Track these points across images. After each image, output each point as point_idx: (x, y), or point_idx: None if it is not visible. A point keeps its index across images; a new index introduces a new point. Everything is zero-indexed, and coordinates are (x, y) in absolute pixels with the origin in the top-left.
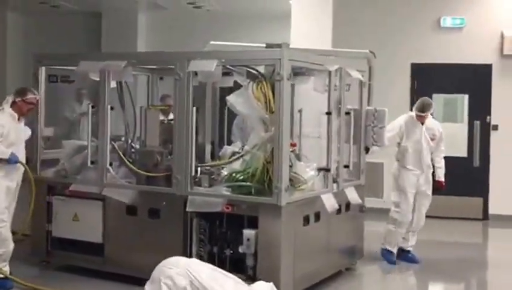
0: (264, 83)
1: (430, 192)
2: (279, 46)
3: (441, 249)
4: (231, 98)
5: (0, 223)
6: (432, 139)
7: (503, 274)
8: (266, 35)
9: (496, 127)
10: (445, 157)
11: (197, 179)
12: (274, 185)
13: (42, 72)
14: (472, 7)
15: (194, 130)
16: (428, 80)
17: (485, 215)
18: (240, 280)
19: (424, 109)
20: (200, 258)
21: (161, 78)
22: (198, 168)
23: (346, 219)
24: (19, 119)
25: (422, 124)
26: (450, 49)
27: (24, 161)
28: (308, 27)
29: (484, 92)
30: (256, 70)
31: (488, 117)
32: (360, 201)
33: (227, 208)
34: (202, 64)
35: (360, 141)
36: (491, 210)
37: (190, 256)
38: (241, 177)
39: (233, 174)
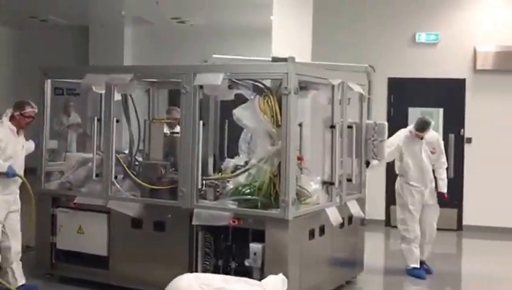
0: (271, 96)
1: (436, 204)
2: (285, 60)
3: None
4: (238, 112)
5: None
6: (432, 153)
7: (477, 285)
8: (248, 49)
9: (469, 140)
10: None
11: (201, 192)
12: (281, 199)
13: (48, 85)
14: (446, 23)
15: (200, 144)
16: (405, 94)
17: (459, 226)
18: (252, 281)
19: (423, 128)
20: (206, 271)
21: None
22: (203, 181)
23: (348, 232)
24: (18, 132)
25: (422, 138)
26: (425, 64)
27: (22, 174)
28: (289, 42)
29: (458, 106)
30: (263, 84)
31: (462, 130)
32: (362, 214)
33: (234, 221)
34: (208, 77)
35: (361, 155)
36: (465, 221)
37: (196, 269)
38: (248, 191)
39: (240, 188)
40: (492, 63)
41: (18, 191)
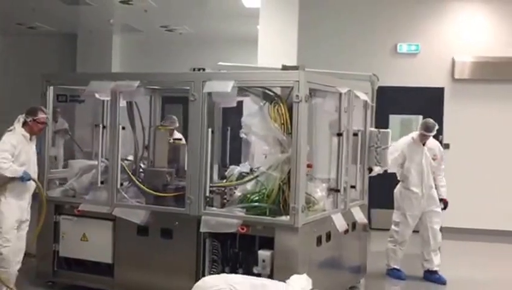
0: (281, 104)
1: (438, 209)
2: (295, 68)
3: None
4: (246, 120)
5: (4, 243)
6: (434, 159)
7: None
8: (234, 57)
9: (447, 146)
10: (394, 175)
11: (207, 199)
12: (291, 206)
13: (50, 92)
14: (426, 35)
15: (209, 151)
16: (386, 102)
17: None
18: (276, 281)
19: (430, 129)
20: None
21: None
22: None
23: (353, 238)
24: (30, 139)
25: (424, 144)
26: (406, 73)
27: (36, 179)
28: (274, 50)
29: (437, 113)
30: (273, 92)
31: (440, 136)
32: (365, 221)
33: (242, 228)
34: (218, 85)
35: (364, 162)
36: (443, 223)
37: (203, 276)
38: (256, 198)
39: (248, 195)
40: (470, 72)
41: (31, 200)
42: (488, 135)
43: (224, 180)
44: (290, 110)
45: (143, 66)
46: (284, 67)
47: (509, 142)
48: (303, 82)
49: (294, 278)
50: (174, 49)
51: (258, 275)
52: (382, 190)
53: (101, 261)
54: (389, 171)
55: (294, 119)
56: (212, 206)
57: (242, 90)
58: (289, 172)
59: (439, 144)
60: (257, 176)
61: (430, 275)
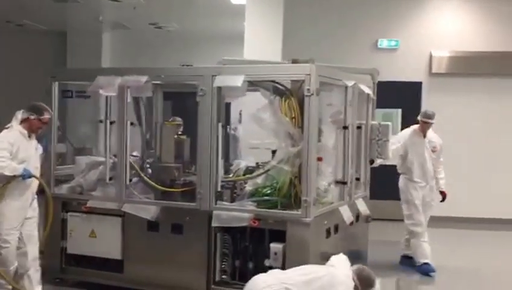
0: (292, 98)
1: (433, 202)
2: (305, 62)
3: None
4: (256, 113)
5: (3, 244)
6: (433, 151)
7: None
8: (222, 53)
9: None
10: (384, 166)
11: (217, 194)
12: (303, 199)
13: (55, 88)
14: (405, 31)
15: (219, 145)
16: None
17: None
18: (319, 267)
19: (430, 116)
20: (224, 272)
21: None
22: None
23: (356, 229)
24: (29, 136)
25: (425, 136)
26: (386, 68)
27: (38, 176)
28: (260, 46)
29: (415, 107)
30: (283, 86)
31: None
32: (368, 212)
33: (254, 222)
34: (228, 79)
35: (367, 154)
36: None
37: (214, 270)
38: (268, 192)
39: (259, 189)
40: (446, 67)
41: (35, 197)
42: (464, 127)
43: (231, 175)
44: (300, 103)
45: (133, 63)
46: (294, 61)
47: (484, 134)
48: (314, 75)
49: (333, 259)
50: (163, 46)
51: (270, 267)
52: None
53: (110, 258)
54: (390, 162)
55: (306, 112)
56: (222, 200)
57: (251, 84)
58: (300, 165)
59: (439, 137)
60: (268, 170)
61: (407, 261)
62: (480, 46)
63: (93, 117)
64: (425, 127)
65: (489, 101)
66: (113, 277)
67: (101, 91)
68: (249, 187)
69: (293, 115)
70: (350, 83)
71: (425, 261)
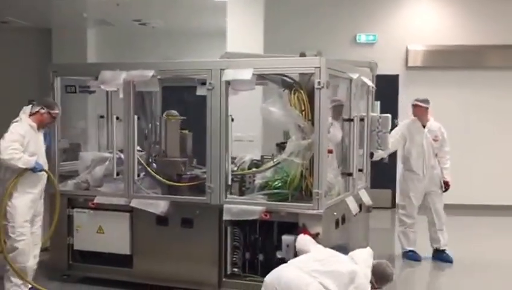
0: (301, 91)
1: (439, 190)
2: (313, 55)
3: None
4: (265, 107)
5: (19, 237)
6: (435, 141)
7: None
8: (206, 49)
9: None
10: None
11: (227, 187)
12: (314, 192)
13: (58, 83)
14: (382, 26)
15: (230, 139)
16: None
17: (393, 204)
18: (339, 256)
19: (420, 100)
20: (235, 265)
21: None
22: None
23: (360, 219)
24: (38, 129)
25: (424, 126)
26: None
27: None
28: (242, 41)
29: (392, 99)
30: (292, 79)
31: (396, 120)
32: (371, 202)
33: (266, 215)
34: (238, 73)
35: (368, 146)
36: (397, 200)
37: (225, 263)
38: (279, 185)
39: (270, 182)
40: (422, 60)
41: (43, 193)
42: (439, 118)
43: (235, 168)
44: (309, 96)
45: (118, 59)
46: (302, 55)
47: (460, 123)
48: (324, 68)
49: (358, 252)
50: (148, 42)
51: (282, 259)
52: None
53: (119, 253)
54: (390, 152)
55: (316, 105)
56: (231, 194)
57: (260, 77)
58: (311, 158)
59: (441, 126)
60: (279, 163)
61: (438, 254)
62: (454, 40)
63: (84, 113)
64: (417, 112)
65: (463, 93)
66: (122, 272)
67: (102, 86)
68: (258, 180)
69: (303, 108)
70: (355, 76)
71: (410, 248)
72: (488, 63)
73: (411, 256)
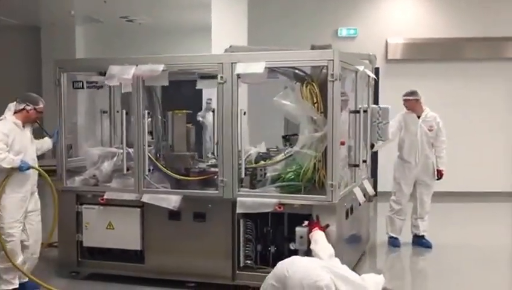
0: (313, 84)
1: (430, 181)
2: (324, 47)
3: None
4: (277, 100)
5: (8, 238)
6: (430, 130)
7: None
8: (192, 44)
9: None
10: None
11: (240, 181)
12: (329, 183)
13: (64, 79)
14: (363, 20)
15: (242, 133)
16: None
17: (375, 192)
18: (354, 277)
19: (406, 93)
20: (248, 257)
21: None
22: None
23: (364, 208)
24: (23, 126)
25: (419, 116)
26: None
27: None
28: (227, 36)
29: (374, 91)
30: (304, 72)
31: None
32: (373, 192)
33: (280, 207)
34: (250, 66)
35: (370, 137)
36: (379, 188)
37: (238, 256)
38: (292, 177)
39: (283, 175)
40: (401, 53)
41: (36, 189)
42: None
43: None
44: (320, 89)
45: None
46: (313, 47)
47: (438, 113)
48: (337, 61)
49: (370, 276)
50: (135, 38)
51: (295, 251)
52: None
53: (130, 249)
54: (390, 142)
55: (329, 98)
56: (243, 187)
57: (271, 70)
58: (324, 150)
59: (436, 116)
60: (290, 155)
61: (417, 240)
62: (432, 34)
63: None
64: (408, 105)
65: (441, 84)
66: (133, 268)
67: (107, 82)
68: (269, 173)
69: (315, 101)
70: (361, 68)
71: (393, 235)
72: (465, 55)
73: (392, 242)
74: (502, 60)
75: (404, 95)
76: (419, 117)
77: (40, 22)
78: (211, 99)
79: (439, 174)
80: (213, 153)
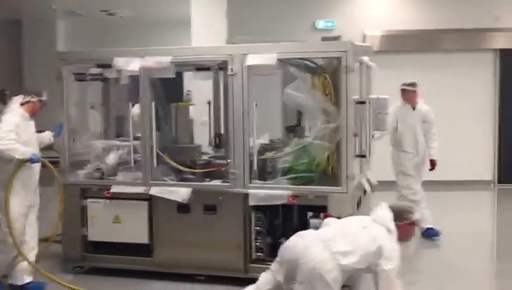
0: (326, 75)
1: (421, 173)
2: (335, 38)
3: None
4: (289, 91)
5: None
6: (424, 122)
7: None
8: (172, 37)
9: None
10: None
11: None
12: (343, 174)
13: (66, 71)
14: (340, 12)
15: (254, 125)
16: None
17: None
18: (358, 218)
19: (405, 84)
20: (259, 249)
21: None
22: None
23: (368, 197)
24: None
25: (414, 108)
26: None
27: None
28: (206, 29)
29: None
30: (316, 64)
31: None
32: (376, 182)
33: (293, 199)
34: (262, 58)
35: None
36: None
37: (250, 248)
38: (304, 168)
39: (295, 166)
40: (379, 45)
41: (37, 184)
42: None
43: None
44: (332, 80)
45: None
46: (324, 39)
47: None
48: (351, 52)
49: (377, 212)
50: (117, 32)
51: None
52: None
53: (137, 242)
54: (387, 133)
55: (343, 89)
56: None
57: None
58: (338, 141)
59: (430, 109)
60: (304, 146)
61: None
62: (409, 25)
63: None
64: (406, 96)
65: (417, 75)
66: (140, 262)
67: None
68: (280, 165)
69: (327, 92)
70: (365, 58)
71: (429, 226)
72: (441, 46)
73: (431, 233)
74: (477, 50)
75: (404, 85)
76: (413, 109)
77: (22, 16)
78: (190, 91)
79: (433, 163)
80: (216, 145)
